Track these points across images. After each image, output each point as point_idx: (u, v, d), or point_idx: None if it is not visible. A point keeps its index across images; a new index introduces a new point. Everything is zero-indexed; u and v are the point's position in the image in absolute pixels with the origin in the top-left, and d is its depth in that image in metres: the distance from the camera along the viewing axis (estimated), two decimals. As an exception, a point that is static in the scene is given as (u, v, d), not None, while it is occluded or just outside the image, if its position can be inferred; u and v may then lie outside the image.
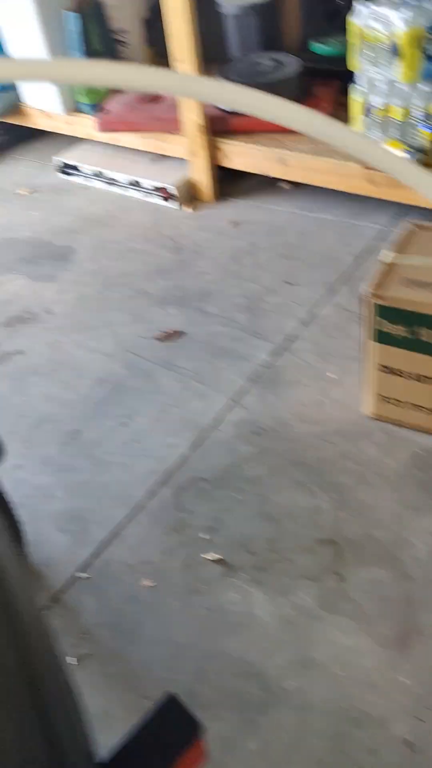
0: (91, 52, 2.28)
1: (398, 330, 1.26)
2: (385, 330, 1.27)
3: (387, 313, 1.25)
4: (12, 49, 2.43)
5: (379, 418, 1.42)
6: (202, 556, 1.24)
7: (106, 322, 1.83)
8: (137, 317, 1.83)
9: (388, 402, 1.38)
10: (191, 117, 2.06)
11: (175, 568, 1.23)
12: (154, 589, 1.21)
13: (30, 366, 1.74)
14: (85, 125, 2.45)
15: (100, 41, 2.28)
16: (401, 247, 1.34)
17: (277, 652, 1.09)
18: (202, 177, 2.18)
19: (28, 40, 2.31)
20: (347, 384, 1.51)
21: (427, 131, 1.76)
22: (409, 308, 1.23)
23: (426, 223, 1.40)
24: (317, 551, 1.21)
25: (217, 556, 1.23)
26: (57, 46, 2.29)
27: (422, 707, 1.00)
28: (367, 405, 1.42)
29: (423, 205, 1.84)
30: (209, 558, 1.24)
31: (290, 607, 1.14)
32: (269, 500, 1.31)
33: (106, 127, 2.31)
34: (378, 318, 1.26)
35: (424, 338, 1.24)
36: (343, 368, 1.55)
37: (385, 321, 1.26)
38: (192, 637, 1.13)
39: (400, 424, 1.40)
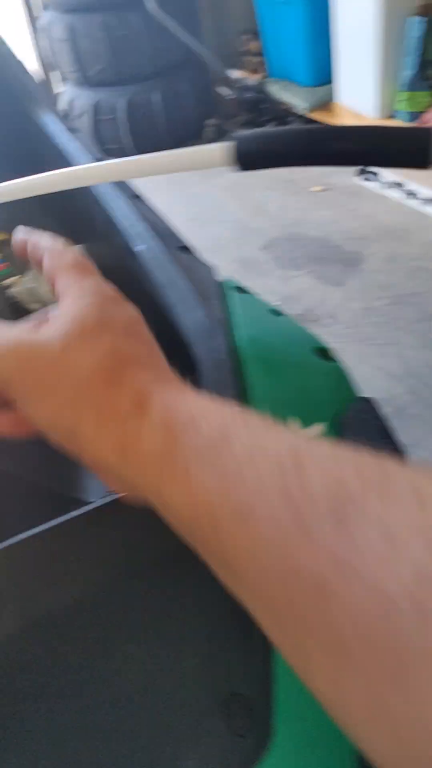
0: (423, 62, 2.20)
1: None
2: None
3: None
4: (342, 47, 2.42)
5: None
6: None
7: (392, 340, 1.77)
8: (428, 343, 1.75)
9: None
10: None
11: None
12: None
13: (308, 368, 1.73)
14: (396, 132, 2.39)
15: (437, 50, 2.20)
16: None
17: None
18: None
19: (363, 43, 2.29)
20: None
21: None
22: None
23: None
24: None
25: None
26: (392, 51, 2.24)
27: None
28: None
29: None
30: None
31: None
32: None
33: (425, 139, 2.23)
34: None
35: None
36: None
37: None
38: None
39: None
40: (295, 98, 2.71)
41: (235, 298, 0.69)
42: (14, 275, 0.81)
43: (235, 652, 0.39)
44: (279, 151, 0.31)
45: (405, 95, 2.30)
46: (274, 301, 2.05)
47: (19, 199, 0.46)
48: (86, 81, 2.97)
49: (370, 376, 1.67)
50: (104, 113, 2.96)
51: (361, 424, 0.54)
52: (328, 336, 1.83)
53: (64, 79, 3.05)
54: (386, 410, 1.58)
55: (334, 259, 2.14)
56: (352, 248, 2.17)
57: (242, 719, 0.39)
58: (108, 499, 0.40)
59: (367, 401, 0.58)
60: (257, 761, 0.38)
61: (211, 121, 3.03)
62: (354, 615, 0.19)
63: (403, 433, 1.51)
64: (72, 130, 1.20)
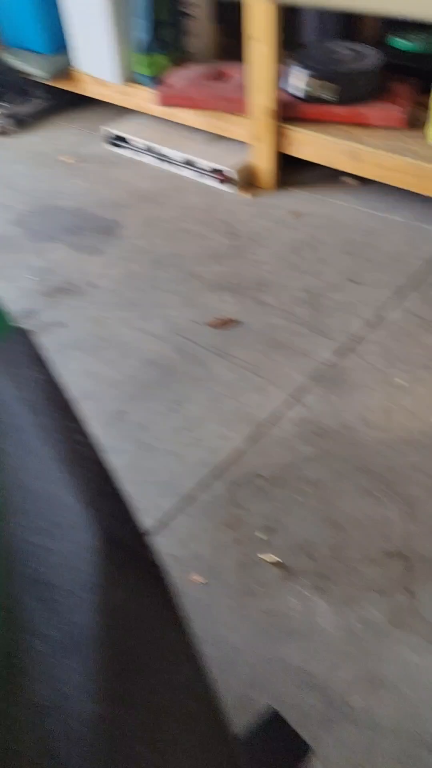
0: (156, 22, 2.20)
1: None
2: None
3: None
4: (74, 13, 2.34)
5: (446, 431, 1.36)
6: (259, 556, 1.18)
7: (155, 302, 1.76)
8: (189, 301, 1.75)
9: (461, 415, 1.32)
10: (260, 100, 1.98)
11: (229, 566, 1.17)
12: (205, 586, 1.14)
13: (71, 340, 1.66)
14: (140, 97, 2.37)
15: (167, 12, 2.20)
16: None
17: (341, 666, 1.02)
18: (263, 163, 2.11)
19: (93, 8, 2.23)
20: (418, 393, 1.45)
21: None
22: None
23: None
24: (385, 564, 1.15)
25: (275, 559, 1.17)
26: (124, 15, 2.21)
27: None
28: (436, 416, 1.36)
29: None
30: (266, 559, 1.17)
31: (356, 620, 1.08)
32: (332, 505, 1.25)
33: (167, 102, 2.23)
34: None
35: None
36: (414, 376, 1.49)
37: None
38: (246, 640, 1.07)
39: (468, 439, 1.34)
40: (33, 67, 2.59)
41: None
42: None
43: None
44: None
45: (143, 59, 2.28)
46: (29, 275, 1.93)
47: None
48: None
49: (134, 339, 1.64)
50: None
51: (15, 353, 0.50)
52: (88, 305, 1.77)
53: None
54: (154, 370, 1.56)
55: (91, 228, 2.08)
56: (109, 216, 2.12)
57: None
58: None
59: (23, 332, 0.53)
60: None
61: None
62: None
63: (172, 390, 1.50)
64: None
